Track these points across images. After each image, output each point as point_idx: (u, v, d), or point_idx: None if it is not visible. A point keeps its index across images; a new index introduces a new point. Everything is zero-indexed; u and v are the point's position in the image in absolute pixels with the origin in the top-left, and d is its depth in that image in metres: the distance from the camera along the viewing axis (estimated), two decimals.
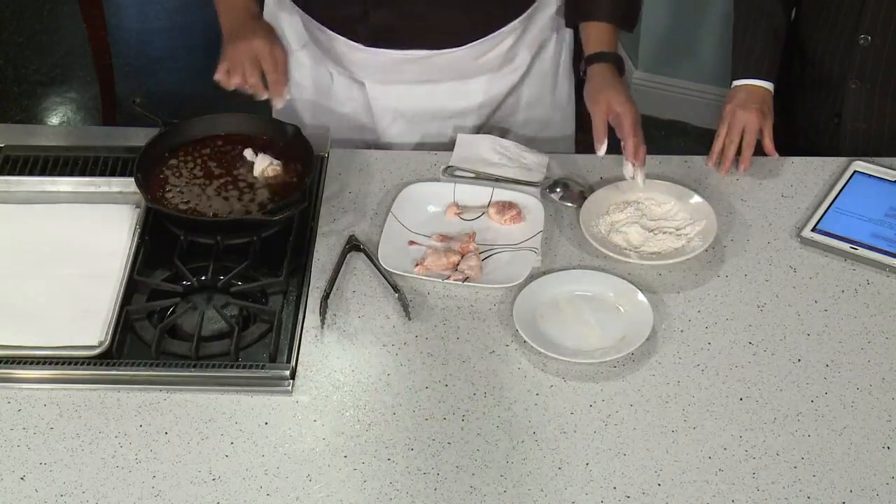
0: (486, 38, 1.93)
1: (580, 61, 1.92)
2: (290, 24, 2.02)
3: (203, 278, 1.69)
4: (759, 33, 1.99)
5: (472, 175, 1.89)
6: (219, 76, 1.82)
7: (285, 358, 1.58)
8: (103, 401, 1.52)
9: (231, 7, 1.91)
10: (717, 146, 1.92)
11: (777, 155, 1.92)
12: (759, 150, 1.92)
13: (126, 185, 1.82)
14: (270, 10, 2.04)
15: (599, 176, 1.90)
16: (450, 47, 1.92)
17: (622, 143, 1.81)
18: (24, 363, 1.55)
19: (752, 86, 1.96)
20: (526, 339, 1.59)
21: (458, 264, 1.72)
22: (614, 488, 1.42)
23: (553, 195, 1.86)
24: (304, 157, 1.83)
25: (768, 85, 1.96)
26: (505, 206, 1.81)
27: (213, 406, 1.52)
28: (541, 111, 2.10)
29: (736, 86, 1.98)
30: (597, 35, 1.91)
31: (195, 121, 1.90)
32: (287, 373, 1.55)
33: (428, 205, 1.83)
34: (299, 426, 1.49)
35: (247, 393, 1.53)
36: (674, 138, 3.62)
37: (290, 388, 1.54)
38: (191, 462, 1.45)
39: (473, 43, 1.93)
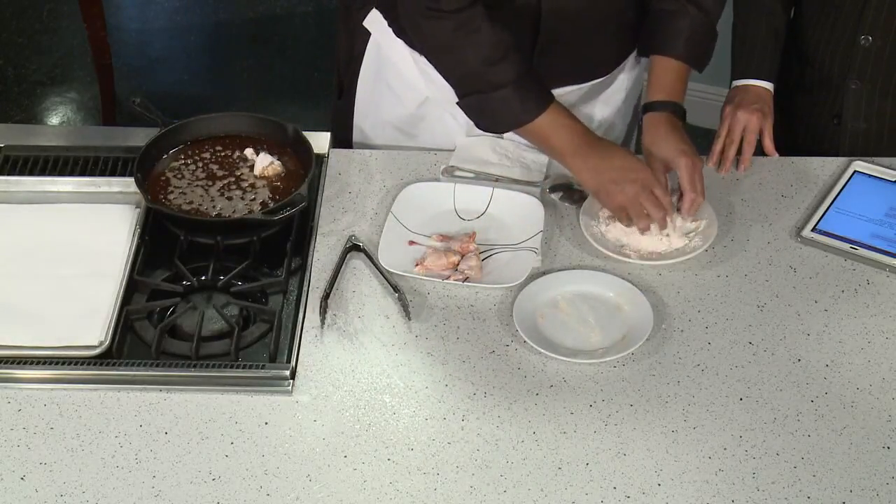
0: (626, 59, 1.95)
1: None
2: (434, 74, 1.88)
3: (203, 278, 1.69)
4: (759, 33, 1.99)
5: (471, 175, 1.89)
6: (625, 223, 1.74)
7: (285, 358, 1.58)
8: (103, 401, 1.52)
9: (575, 140, 1.75)
10: (717, 146, 1.92)
11: (777, 155, 1.92)
12: (759, 150, 1.92)
13: (126, 185, 1.82)
14: (410, 61, 1.91)
15: None
16: (599, 77, 1.94)
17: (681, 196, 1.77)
18: (24, 363, 1.55)
19: (753, 86, 1.96)
20: (526, 339, 1.59)
21: (458, 264, 1.72)
22: (614, 488, 1.42)
23: (553, 195, 1.86)
24: (304, 156, 1.83)
25: (768, 85, 1.96)
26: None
27: (213, 406, 1.51)
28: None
29: (736, 86, 1.98)
30: (662, 77, 1.85)
31: (195, 121, 1.90)
32: (287, 373, 1.55)
33: (428, 205, 1.83)
34: (299, 426, 1.49)
35: (247, 393, 1.53)
36: None
37: (290, 388, 1.54)
38: (191, 462, 1.45)
39: (618, 67, 1.94)
